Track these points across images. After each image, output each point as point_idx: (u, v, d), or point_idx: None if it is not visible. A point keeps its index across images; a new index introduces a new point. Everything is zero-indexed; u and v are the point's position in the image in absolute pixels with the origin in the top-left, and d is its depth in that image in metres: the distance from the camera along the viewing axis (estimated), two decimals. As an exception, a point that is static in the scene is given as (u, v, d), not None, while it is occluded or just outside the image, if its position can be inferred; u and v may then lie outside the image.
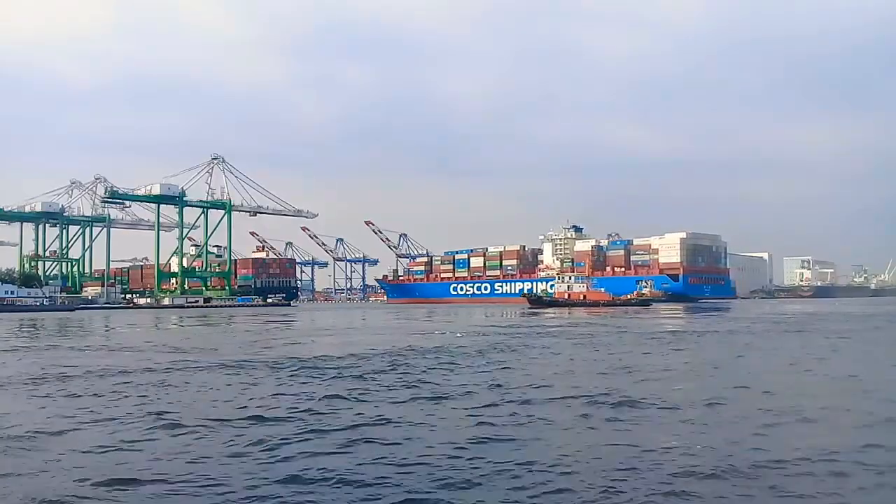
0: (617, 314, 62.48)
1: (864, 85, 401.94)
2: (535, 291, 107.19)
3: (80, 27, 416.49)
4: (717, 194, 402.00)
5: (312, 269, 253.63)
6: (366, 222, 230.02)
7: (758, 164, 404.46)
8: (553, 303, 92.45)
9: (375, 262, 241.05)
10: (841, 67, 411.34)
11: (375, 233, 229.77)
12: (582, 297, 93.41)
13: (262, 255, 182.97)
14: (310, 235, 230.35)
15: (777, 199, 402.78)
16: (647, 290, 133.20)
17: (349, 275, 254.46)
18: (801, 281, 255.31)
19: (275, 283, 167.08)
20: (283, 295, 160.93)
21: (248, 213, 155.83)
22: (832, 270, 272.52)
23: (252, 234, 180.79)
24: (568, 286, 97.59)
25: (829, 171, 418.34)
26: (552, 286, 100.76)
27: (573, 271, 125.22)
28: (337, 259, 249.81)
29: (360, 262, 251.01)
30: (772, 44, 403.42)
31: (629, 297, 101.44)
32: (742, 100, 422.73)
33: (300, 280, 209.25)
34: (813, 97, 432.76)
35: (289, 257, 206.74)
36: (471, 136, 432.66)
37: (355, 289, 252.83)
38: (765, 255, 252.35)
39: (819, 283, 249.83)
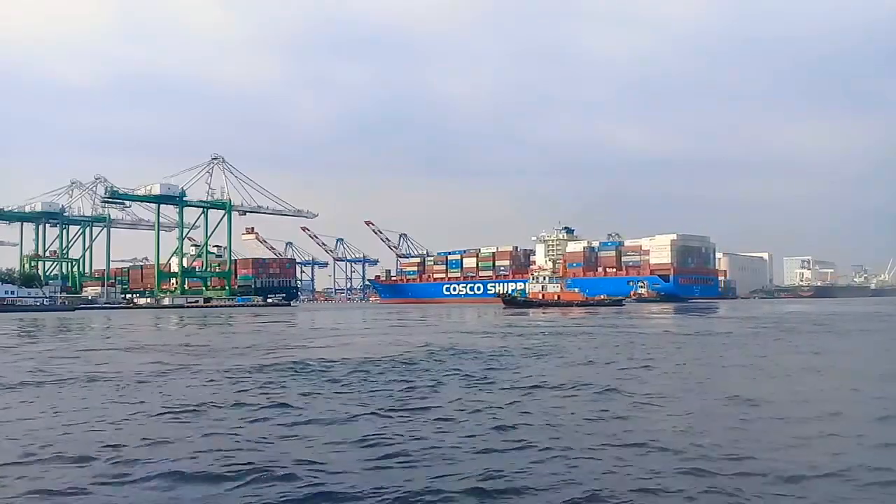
0: (610, 314, 63.03)
1: (864, 85, 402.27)
2: (509, 292, 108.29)
3: (79, 27, 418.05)
4: (715, 194, 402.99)
5: (312, 269, 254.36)
6: (366, 222, 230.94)
7: (758, 164, 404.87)
8: (527, 303, 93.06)
9: (375, 262, 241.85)
10: (841, 67, 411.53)
11: (375, 233, 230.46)
12: (556, 298, 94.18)
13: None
14: (310, 235, 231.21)
15: (777, 199, 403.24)
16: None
17: (349, 275, 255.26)
18: (802, 281, 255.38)
19: (275, 283, 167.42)
20: (283, 295, 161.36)
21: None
22: (832, 270, 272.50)
23: (249, 230, 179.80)
24: (542, 287, 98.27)
25: (829, 171, 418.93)
26: (536, 287, 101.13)
27: (565, 272, 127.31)
28: (337, 259, 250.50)
29: (360, 262, 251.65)
30: (772, 44, 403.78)
31: (602, 297, 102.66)
32: (741, 100, 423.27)
33: (300, 280, 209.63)
34: (813, 97, 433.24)
35: (289, 257, 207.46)
36: (470, 136, 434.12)
37: (355, 289, 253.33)
38: (765, 255, 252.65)
39: (819, 284, 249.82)
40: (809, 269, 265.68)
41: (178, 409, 11.87)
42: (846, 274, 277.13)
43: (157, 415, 11.47)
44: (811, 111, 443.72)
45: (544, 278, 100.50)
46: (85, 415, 11.50)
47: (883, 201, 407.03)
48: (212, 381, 15.80)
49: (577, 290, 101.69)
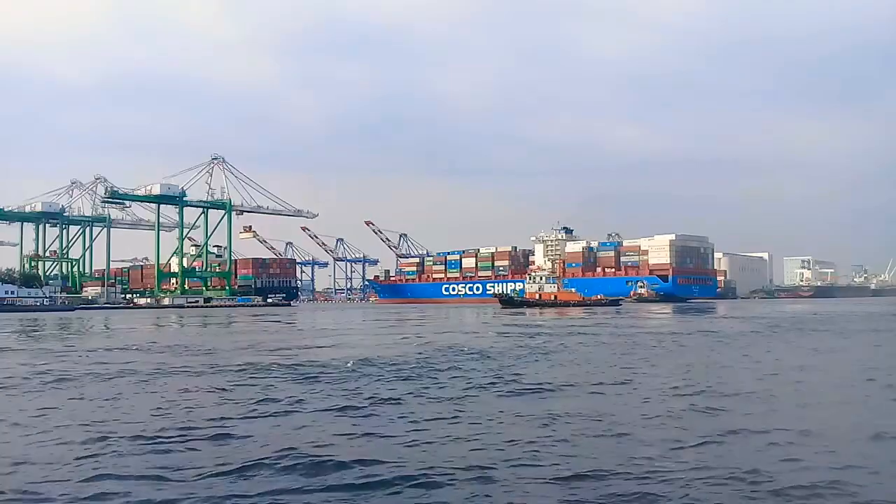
0: (607, 314, 63.23)
1: (864, 85, 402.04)
2: (507, 292, 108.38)
3: (77, 26, 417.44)
4: (716, 194, 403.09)
5: (312, 269, 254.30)
6: (366, 222, 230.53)
7: (758, 164, 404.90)
8: (524, 303, 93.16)
9: (375, 262, 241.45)
10: (840, 67, 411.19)
11: (375, 233, 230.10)
12: (553, 298, 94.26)
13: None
14: (310, 235, 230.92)
15: (777, 199, 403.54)
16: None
17: (349, 275, 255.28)
18: (802, 281, 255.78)
19: (275, 283, 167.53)
20: (283, 295, 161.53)
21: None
22: (832, 270, 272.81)
23: (246, 228, 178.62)
24: (539, 287, 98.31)
25: (829, 171, 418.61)
26: (533, 287, 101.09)
27: (564, 272, 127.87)
28: (337, 259, 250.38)
29: (360, 262, 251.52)
30: (772, 43, 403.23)
31: (599, 297, 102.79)
32: (742, 100, 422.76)
33: (300, 280, 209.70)
34: (813, 97, 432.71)
35: (289, 257, 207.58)
36: (470, 136, 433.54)
37: (355, 289, 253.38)
38: (765, 255, 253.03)
39: (819, 284, 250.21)
40: (809, 269, 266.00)
41: (175, 408, 12.02)
42: (846, 274, 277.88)
43: (156, 412, 11.63)
44: (811, 111, 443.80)
45: (541, 278, 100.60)
46: (87, 415, 11.63)
47: (883, 201, 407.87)
48: (210, 381, 15.95)
49: (573, 290, 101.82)
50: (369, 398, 12.88)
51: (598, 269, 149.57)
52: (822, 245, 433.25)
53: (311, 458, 8.34)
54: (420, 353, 22.29)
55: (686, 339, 28.96)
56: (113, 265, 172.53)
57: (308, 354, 22.65)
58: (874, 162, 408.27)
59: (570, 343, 26.90)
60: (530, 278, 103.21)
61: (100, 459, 8.56)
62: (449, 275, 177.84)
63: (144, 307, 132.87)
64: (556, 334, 32.84)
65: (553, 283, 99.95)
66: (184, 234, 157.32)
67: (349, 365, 18.55)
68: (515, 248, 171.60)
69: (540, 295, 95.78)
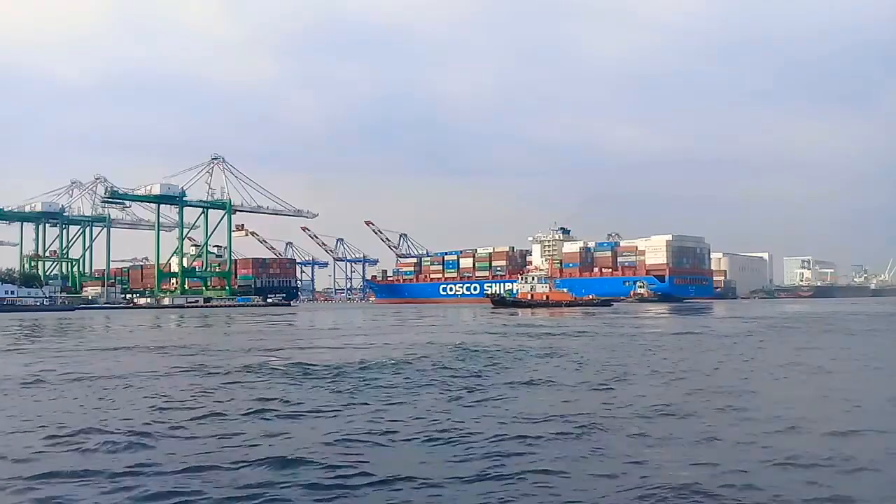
0: (602, 314, 63.57)
1: (864, 85, 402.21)
2: (500, 292, 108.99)
3: (77, 26, 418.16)
4: (716, 194, 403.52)
5: (312, 269, 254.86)
6: (366, 222, 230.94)
7: (758, 164, 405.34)
8: (516, 303, 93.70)
9: (375, 262, 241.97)
10: (841, 67, 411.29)
11: (375, 233, 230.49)
12: (545, 298, 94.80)
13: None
14: (310, 235, 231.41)
15: (777, 199, 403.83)
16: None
17: (349, 275, 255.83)
18: (802, 281, 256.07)
19: (275, 283, 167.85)
20: (283, 295, 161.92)
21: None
22: (832, 270, 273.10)
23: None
24: (531, 287, 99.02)
25: (829, 171, 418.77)
26: (525, 287, 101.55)
27: (560, 272, 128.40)
28: (337, 259, 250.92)
29: (360, 262, 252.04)
30: (772, 43, 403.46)
31: (590, 297, 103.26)
32: (742, 100, 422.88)
33: (300, 280, 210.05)
34: (813, 97, 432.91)
35: (289, 257, 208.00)
36: (470, 136, 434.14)
37: (355, 289, 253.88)
38: (765, 255, 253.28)
39: (819, 284, 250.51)
40: (809, 269, 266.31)
41: (170, 409, 12.31)
42: (846, 274, 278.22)
43: (152, 413, 11.90)
44: (811, 111, 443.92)
45: (533, 279, 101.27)
46: (88, 415, 11.86)
47: (883, 201, 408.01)
48: (207, 381, 16.20)
49: (565, 290, 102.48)
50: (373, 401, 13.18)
51: (595, 270, 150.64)
52: (822, 245, 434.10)
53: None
54: (420, 353, 22.63)
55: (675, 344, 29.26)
56: (113, 265, 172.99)
57: (309, 356, 22.89)
58: (874, 162, 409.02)
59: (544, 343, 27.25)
60: (523, 279, 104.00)
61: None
62: (447, 275, 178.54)
63: (144, 307, 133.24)
64: (535, 335, 33.20)
65: (545, 283, 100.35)
66: (184, 234, 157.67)
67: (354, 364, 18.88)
68: (513, 248, 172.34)
69: (532, 295, 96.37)
